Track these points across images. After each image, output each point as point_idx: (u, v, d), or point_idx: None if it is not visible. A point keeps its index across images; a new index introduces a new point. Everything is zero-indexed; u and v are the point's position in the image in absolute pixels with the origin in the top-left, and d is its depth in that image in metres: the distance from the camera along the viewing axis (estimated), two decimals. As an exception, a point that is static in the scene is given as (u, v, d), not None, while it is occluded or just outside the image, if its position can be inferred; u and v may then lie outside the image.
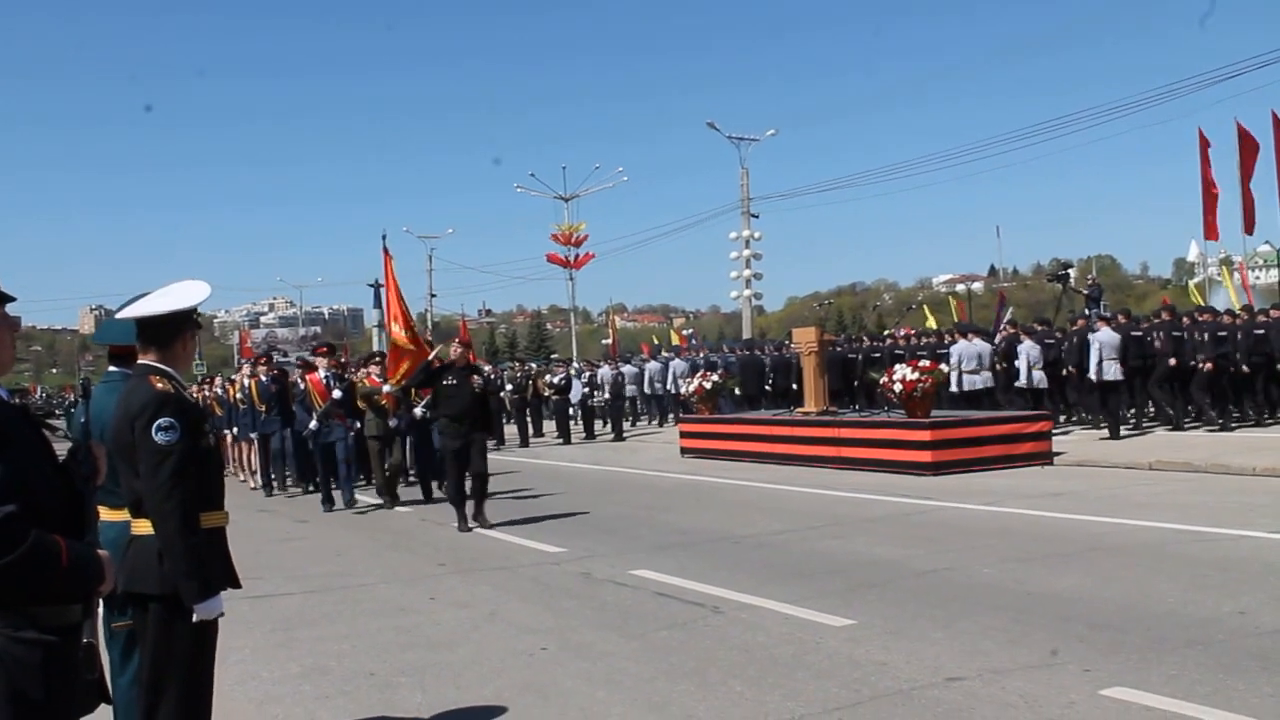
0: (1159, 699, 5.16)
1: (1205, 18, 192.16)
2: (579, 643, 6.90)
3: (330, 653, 6.97)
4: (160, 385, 3.88)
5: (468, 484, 12.30)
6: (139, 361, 4.07)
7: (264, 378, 17.94)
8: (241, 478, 19.91)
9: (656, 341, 50.03)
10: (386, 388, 15.12)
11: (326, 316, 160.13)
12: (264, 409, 17.73)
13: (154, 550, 3.80)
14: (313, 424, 15.03)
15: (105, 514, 4.10)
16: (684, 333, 53.87)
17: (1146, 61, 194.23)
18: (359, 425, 15.48)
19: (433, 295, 63.65)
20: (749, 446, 19.02)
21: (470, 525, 11.94)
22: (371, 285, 59.67)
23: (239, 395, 19.02)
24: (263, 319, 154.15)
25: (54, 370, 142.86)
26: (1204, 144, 27.87)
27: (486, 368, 21.20)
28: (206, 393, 21.71)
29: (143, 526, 3.87)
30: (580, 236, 44.56)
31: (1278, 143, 26.69)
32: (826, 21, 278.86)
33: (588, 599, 8.18)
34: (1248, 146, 27.18)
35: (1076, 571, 8.14)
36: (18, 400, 3.01)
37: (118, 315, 4.49)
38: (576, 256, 44.53)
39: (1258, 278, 33.46)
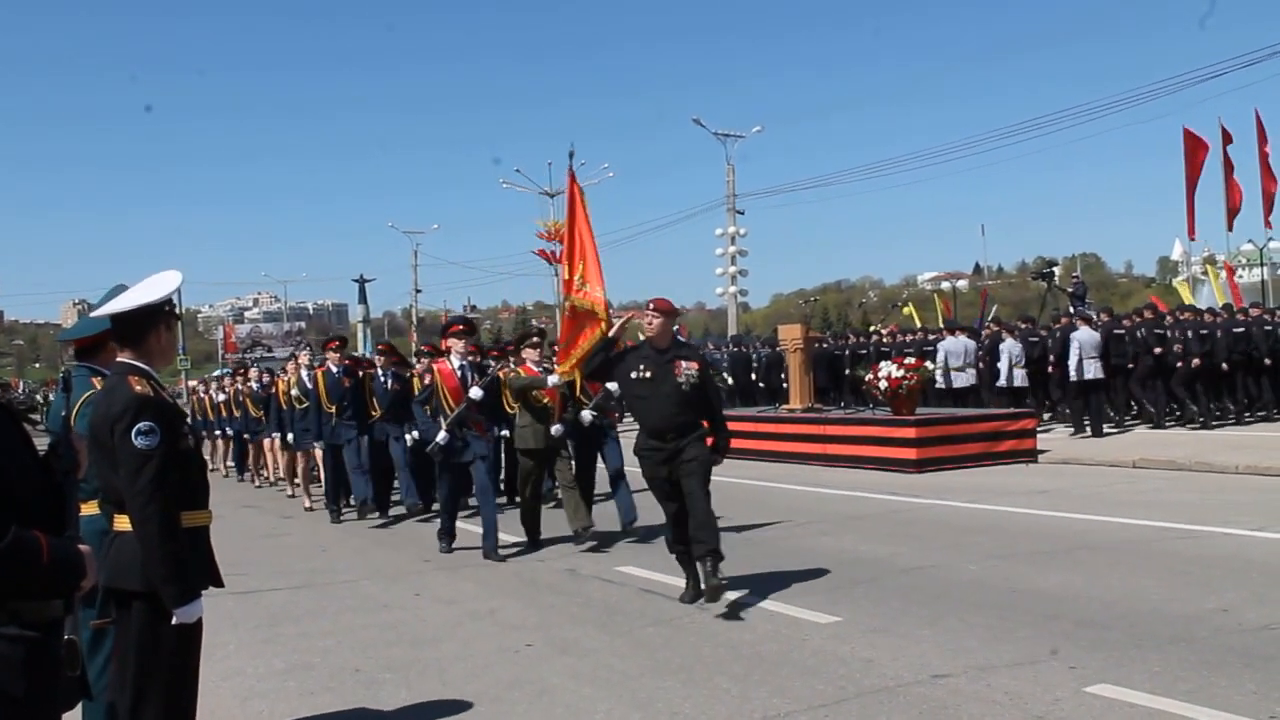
0: (1143, 696, 5.17)
1: (1205, 18, 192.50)
2: (564, 639, 6.89)
3: (315, 649, 6.95)
4: (139, 388, 3.84)
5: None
6: (118, 360, 4.02)
7: (334, 368, 13.56)
8: (291, 492, 16.35)
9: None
10: (552, 379, 10.42)
11: (311, 312, 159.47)
12: (333, 410, 13.36)
13: (136, 547, 3.78)
14: (441, 435, 10.20)
15: (86, 508, 4.08)
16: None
17: (1131, 61, 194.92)
18: (505, 433, 12.43)
19: (418, 290, 63.61)
20: (734, 444, 18.98)
21: (704, 595, 7.45)
22: (356, 280, 59.77)
23: (294, 392, 14.70)
24: (247, 314, 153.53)
25: (36, 364, 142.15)
26: (1189, 143, 28.00)
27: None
28: (239, 386, 19.26)
29: (124, 523, 3.84)
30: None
31: (1260, 142, 26.85)
32: (813, 19, 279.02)
33: (573, 595, 8.17)
34: (1227, 143, 27.35)
35: (1061, 569, 8.16)
36: (-1, 394, 3.00)
37: (92, 313, 4.47)
38: (562, 252, 44.49)
39: (1241, 277, 33.53)
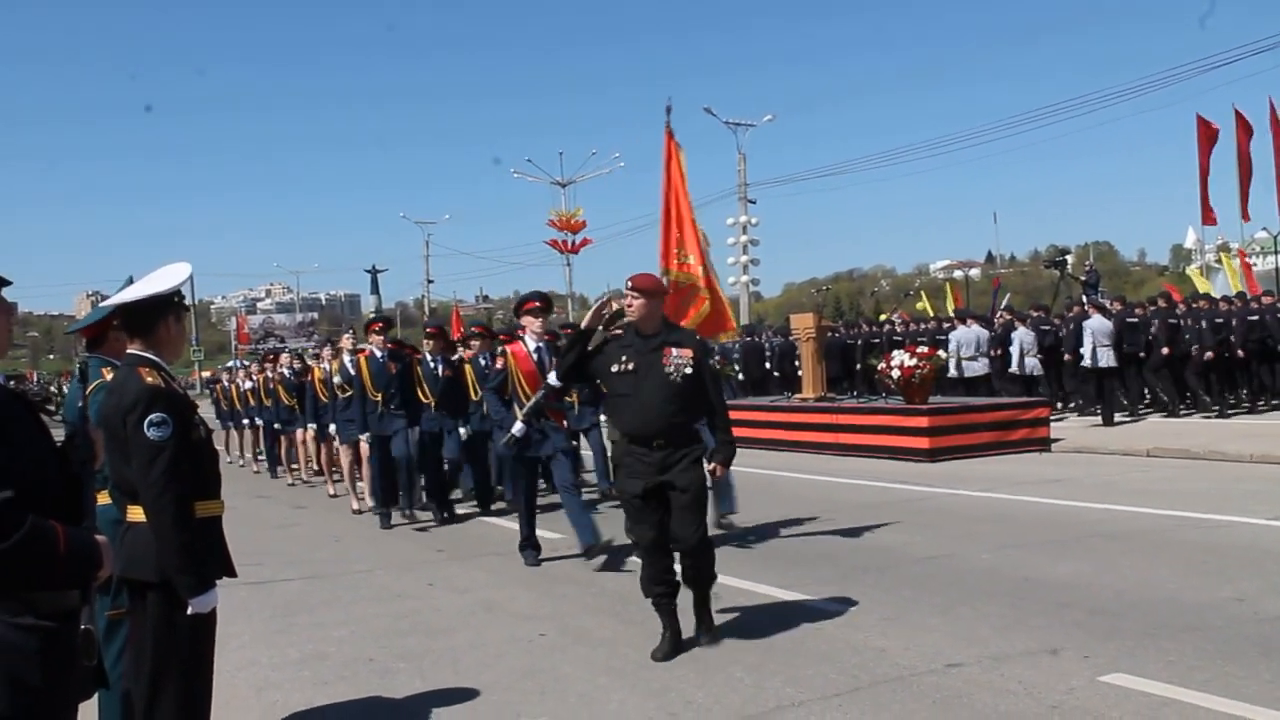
0: (1158, 685, 5.16)
1: (1205, 17, 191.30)
2: (578, 629, 6.90)
3: (329, 639, 6.97)
4: (150, 379, 3.85)
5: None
6: (128, 351, 4.04)
7: (378, 353, 12.09)
8: (333, 491, 14.97)
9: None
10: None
11: (323, 302, 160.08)
12: (379, 399, 11.90)
13: (150, 537, 3.79)
14: (518, 427, 9.01)
15: (100, 497, 4.10)
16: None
17: (1145, 47, 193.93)
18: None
19: (429, 281, 63.67)
20: (747, 433, 18.91)
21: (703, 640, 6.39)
22: (368, 271, 59.94)
23: (336, 379, 13.18)
24: (259, 305, 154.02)
25: (50, 356, 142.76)
26: (1202, 129, 27.85)
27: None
28: (269, 374, 17.76)
29: (137, 513, 3.86)
30: (578, 222, 44.54)
31: (1274, 129, 26.70)
32: (824, 7, 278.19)
33: (586, 585, 8.17)
34: (1244, 132, 27.19)
35: (1075, 558, 8.14)
36: (14, 385, 3.00)
37: (101, 304, 4.50)
38: (574, 242, 44.51)
39: (1255, 264, 33.39)
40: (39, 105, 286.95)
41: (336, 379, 13.15)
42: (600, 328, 6.44)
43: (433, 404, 11.89)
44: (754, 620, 6.82)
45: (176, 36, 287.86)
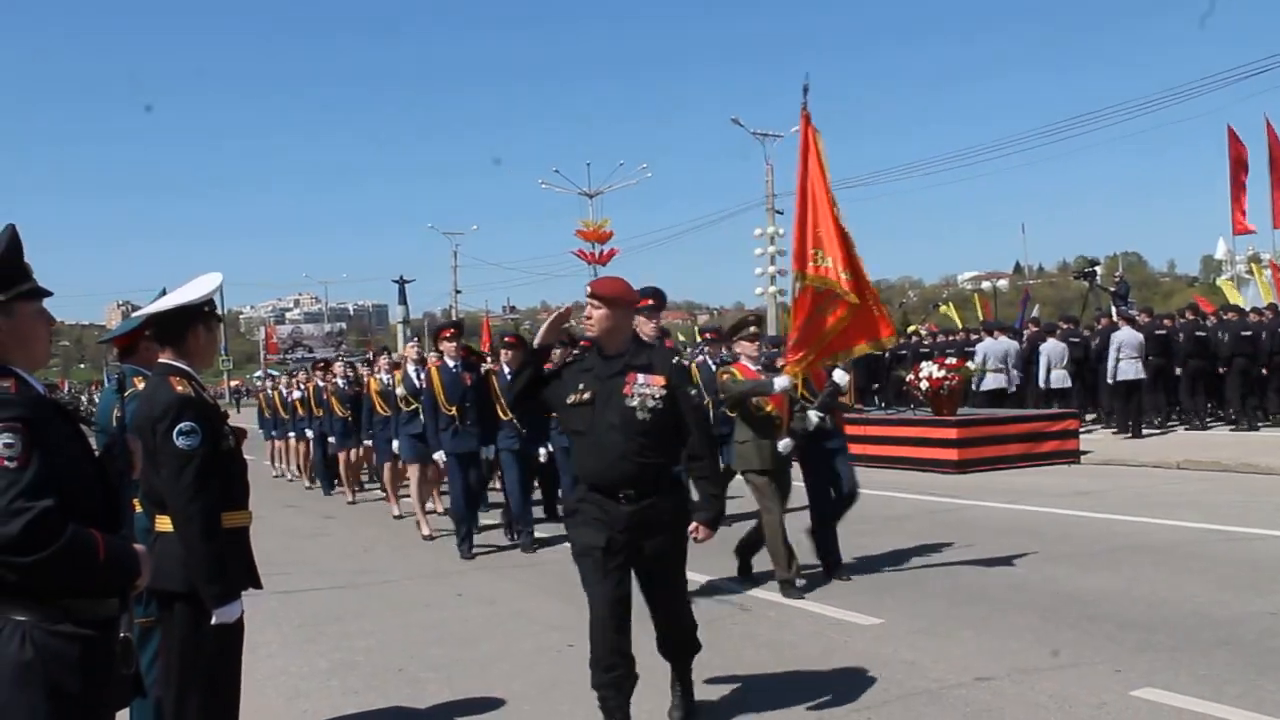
0: (1190, 700, 5.13)
1: (1205, 17, 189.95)
2: (606, 639, 6.89)
3: (358, 648, 6.99)
4: (181, 388, 3.89)
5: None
6: (159, 360, 4.09)
7: (450, 362, 10.81)
8: (398, 512, 13.37)
9: (682, 339, 50.02)
10: (780, 382, 7.79)
11: (351, 312, 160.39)
12: (454, 412, 10.55)
13: (178, 547, 3.82)
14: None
15: (137, 506, 4.14)
16: (707, 330, 53.65)
17: (1175, 56, 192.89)
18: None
19: (457, 291, 63.80)
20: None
21: None
22: (396, 281, 60.07)
23: (399, 390, 12.29)
24: (288, 315, 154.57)
25: (81, 365, 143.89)
26: (1234, 140, 27.67)
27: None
28: (319, 382, 16.74)
29: (165, 523, 3.89)
30: (606, 232, 44.58)
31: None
32: (850, 18, 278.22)
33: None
34: (1276, 142, 26.97)
35: (1104, 571, 8.10)
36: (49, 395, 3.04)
37: (134, 314, 4.55)
38: (602, 252, 44.55)
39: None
40: (64, 115, 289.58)
41: (399, 390, 12.27)
42: (561, 344, 5.46)
43: (514, 420, 10.64)
44: (782, 631, 6.81)
45: (186, 49, 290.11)
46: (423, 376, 11.50)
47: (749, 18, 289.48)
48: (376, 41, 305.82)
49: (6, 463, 2.58)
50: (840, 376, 8.20)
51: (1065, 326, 20.51)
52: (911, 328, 27.34)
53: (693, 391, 5.05)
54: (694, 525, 5.06)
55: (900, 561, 8.92)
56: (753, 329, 8.43)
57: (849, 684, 5.69)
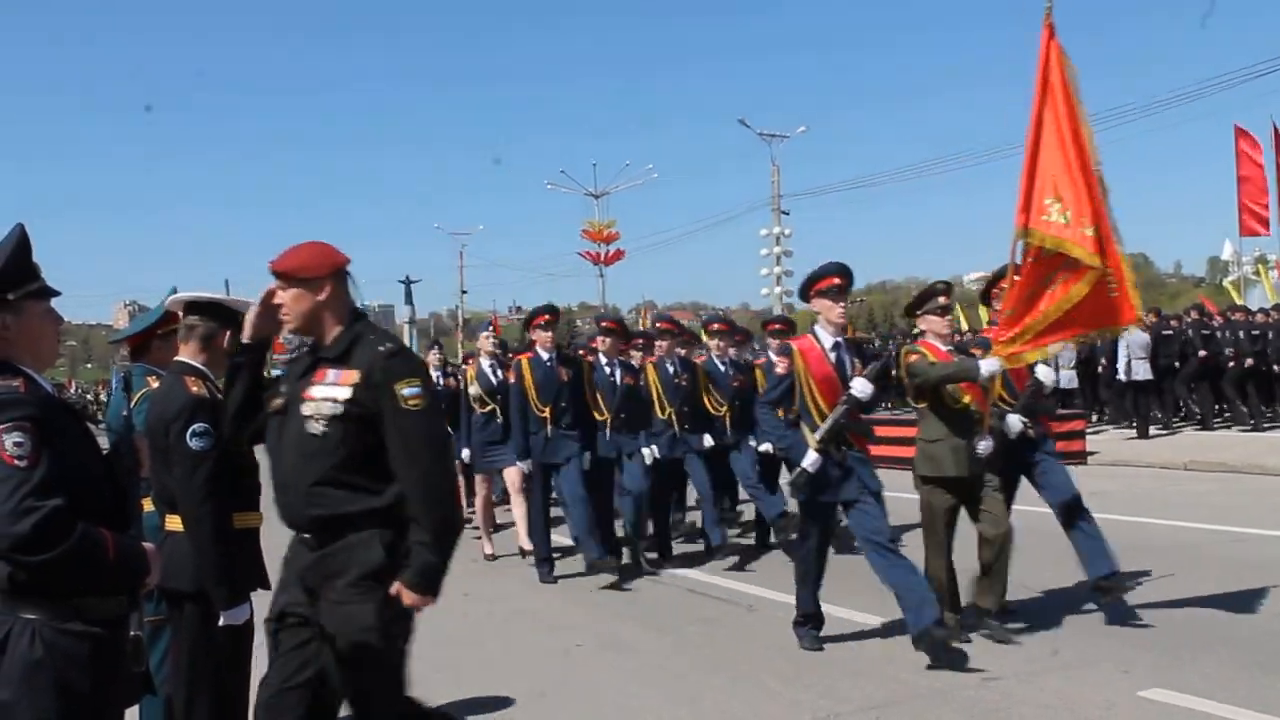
0: (1197, 700, 5.13)
1: (1206, 17, 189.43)
2: (612, 638, 6.91)
3: (365, 647, 6.99)
4: (196, 389, 3.91)
5: None
6: (176, 359, 4.11)
7: (544, 354, 9.06)
8: (480, 534, 10.46)
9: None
10: (987, 365, 6.39)
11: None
12: (547, 414, 8.84)
13: (188, 547, 3.83)
14: (811, 459, 6.34)
15: (146, 504, 4.15)
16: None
17: (1181, 56, 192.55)
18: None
19: (464, 292, 63.85)
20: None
21: None
22: (402, 281, 60.08)
23: (474, 390, 10.28)
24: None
25: (88, 365, 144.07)
26: (1241, 141, 27.61)
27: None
28: (454, 382, 12.58)
29: (176, 523, 3.90)
30: (612, 233, 44.59)
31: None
32: (859, 18, 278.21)
33: (620, 595, 8.18)
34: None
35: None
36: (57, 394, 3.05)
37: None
38: (608, 253, 44.57)
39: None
40: (84, 108, 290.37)
41: (473, 389, 10.29)
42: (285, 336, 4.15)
43: (609, 422, 9.13)
44: (788, 632, 6.80)
45: (189, 49, 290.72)
46: (499, 373, 10.06)
47: (756, 18, 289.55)
48: (383, 41, 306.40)
49: (16, 462, 2.59)
50: (1045, 373, 6.90)
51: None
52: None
53: (409, 393, 3.46)
54: (395, 587, 3.42)
55: (906, 562, 8.90)
56: (941, 300, 6.94)
57: (856, 684, 5.69)
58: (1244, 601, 7.01)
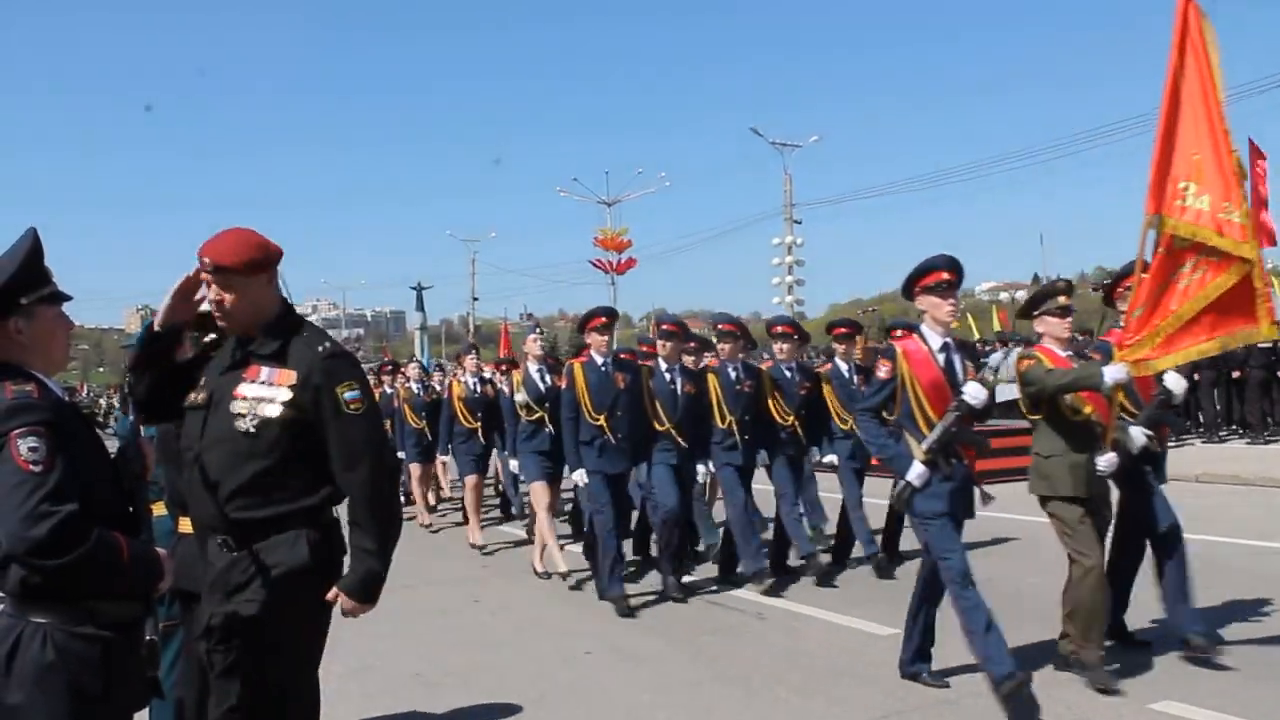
0: (1209, 714, 5.12)
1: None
2: (623, 647, 6.91)
3: (375, 652, 7.00)
4: None
5: None
6: None
7: (599, 358, 8.47)
8: (541, 556, 9.66)
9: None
10: (1111, 372, 5.61)
11: (369, 319, 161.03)
12: (601, 422, 8.22)
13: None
14: (916, 471, 5.67)
15: (155, 508, 4.15)
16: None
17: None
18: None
19: (475, 299, 63.97)
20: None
21: None
22: (414, 288, 60.14)
23: (520, 397, 9.89)
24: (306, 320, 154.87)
25: (100, 369, 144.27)
26: (1255, 154, 27.55)
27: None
28: (387, 388, 14.23)
29: (188, 525, 3.90)
30: (624, 241, 44.61)
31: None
32: (871, 30, 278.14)
33: (632, 603, 8.16)
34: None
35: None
36: (67, 399, 3.06)
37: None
38: (619, 261, 44.59)
39: (1307, 288, 32.89)
40: (87, 109, 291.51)
41: (519, 397, 9.82)
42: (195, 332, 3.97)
43: (674, 432, 8.39)
44: (799, 641, 6.81)
45: (199, 47, 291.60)
46: (548, 378, 9.76)
47: (769, 25, 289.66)
48: (397, 44, 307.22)
49: (32, 467, 2.60)
50: (1174, 382, 6.13)
51: (1082, 338, 20.42)
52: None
53: (350, 396, 3.38)
54: (334, 592, 3.55)
55: (914, 571, 8.77)
56: (1061, 300, 6.19)
57: (865, 694, 5.68)
58: (1257, 615, 6.99)
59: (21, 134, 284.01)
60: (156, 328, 3.52)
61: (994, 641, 5.35)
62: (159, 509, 4.25)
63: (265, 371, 3.38)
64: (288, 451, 3.34)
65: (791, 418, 8.89)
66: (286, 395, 3.34)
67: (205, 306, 3.51)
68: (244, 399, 3.35)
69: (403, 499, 14.09)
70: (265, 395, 3.34)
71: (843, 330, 9.69)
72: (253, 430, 3.31)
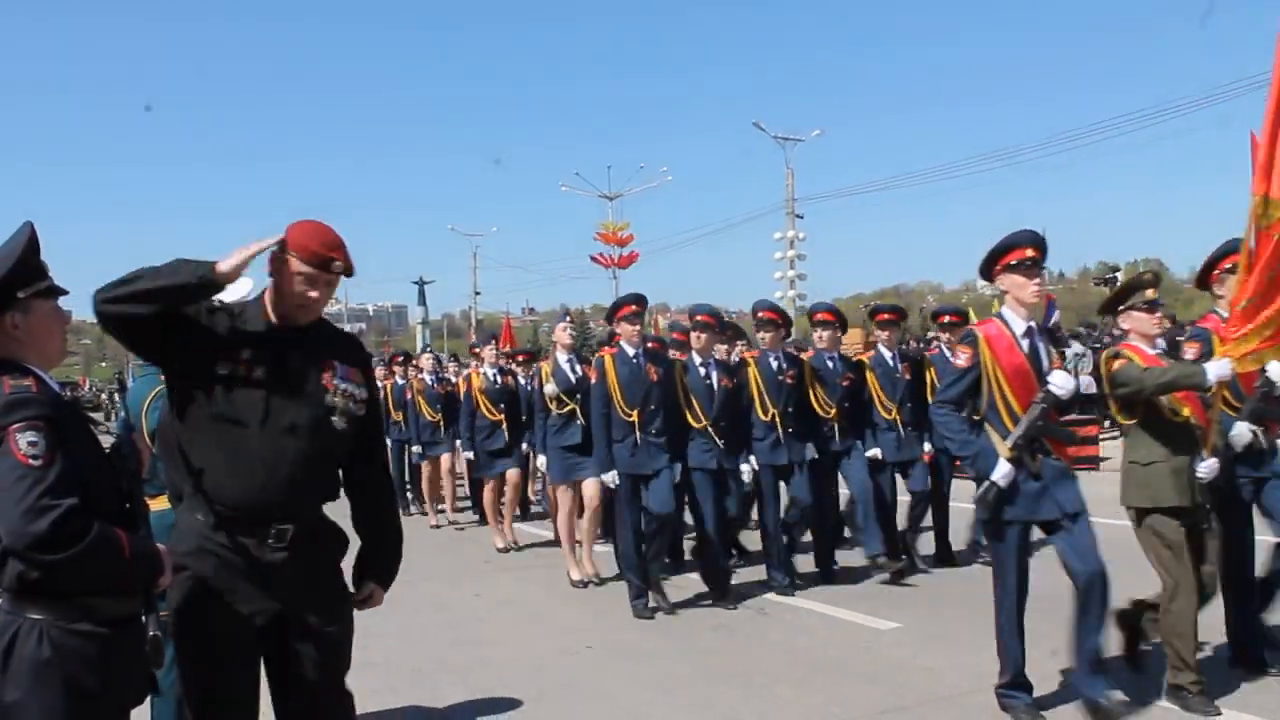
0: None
1: (1206, 17, 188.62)
2: (623, 643, 6.90)
3: (375, 647, 6.97)
4: None
5: None
6: None
7: (629, 349, 8.01)
8: (575, 567, 9.06)
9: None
10: (1213, 369, 5.19)
11: (371, 313, 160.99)
12: (634, 418, 7.80)
13: None
14: (1002, 470, 5.31)
15: (155, 503, 4.14)
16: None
17: (1197, 62, 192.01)
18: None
19: (477, 293, 63.92)
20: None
21: None
22: (416, 282, 60.19)
23: (549, 388, 9.25)
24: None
25: (103, 364, 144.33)
26: (1256, 147, 27.50)
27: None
28: (399, 380, 13.96)
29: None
30: (626, 236, 44.61)
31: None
32: (874, 24, 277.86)
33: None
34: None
35: (1126, 579, 7.99)
36: (68, 394, 3.05)
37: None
38: (621, 256, 44.59)
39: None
40: (91, 107, 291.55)
41: (548, 388, 9.22)
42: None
43: (709, 429, 7.95)
44: (800, 637, 6.80)
45: (195, 48, 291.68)
46: (579, 369, 9.27)
47: (772, 20, 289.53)
48: (398, 38, 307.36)
49: (31, 461, 2.59)
50: (1277, 372, 5.55)
51: (1085, 331, 20.44)
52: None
53: (376, 385, 3.55)
54: (369, 591, 3.58)
55: (918, 567, 8.88)
56: (1149, 293, 5.79)
57: (866, 690, 5.67)
58: (1273, 615, 6.97)
59: (21, 134, 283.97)
60: (219, 274, 3.08)
61: (1014, 646, 5.42)
62: (159, 504, 4.23)
63: (340, 367, 3.33)
64: (349, 449, 3.40)
65: (834, 410, 8.51)
66: (364, 394, 3.37)
67: (243, 285, 3.43)
68: (335, 394, 3.29)
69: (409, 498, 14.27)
70: (355, 394, 3.34)
71: (886, 316, 9.27)
72: (344, 427, 3.30)
